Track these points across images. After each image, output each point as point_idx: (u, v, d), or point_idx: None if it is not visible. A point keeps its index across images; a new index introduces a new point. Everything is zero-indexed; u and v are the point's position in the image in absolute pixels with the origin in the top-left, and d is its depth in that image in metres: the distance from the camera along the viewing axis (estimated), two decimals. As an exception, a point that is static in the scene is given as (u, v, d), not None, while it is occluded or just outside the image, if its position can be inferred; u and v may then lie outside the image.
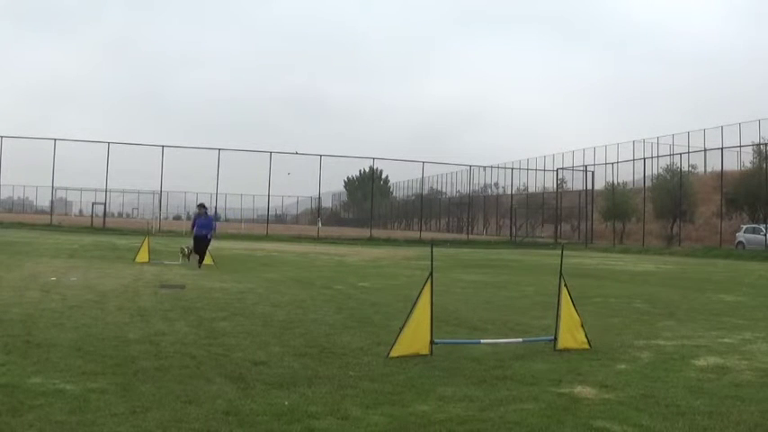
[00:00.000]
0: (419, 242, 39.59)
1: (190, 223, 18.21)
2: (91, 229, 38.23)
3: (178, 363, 5.52)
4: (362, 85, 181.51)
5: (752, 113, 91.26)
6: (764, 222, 33.43)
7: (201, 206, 17.27)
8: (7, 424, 3.83)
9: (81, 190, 51.88)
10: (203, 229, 16.36)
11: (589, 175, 46.73)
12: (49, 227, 37.36)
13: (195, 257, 16.05)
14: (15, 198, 70.94)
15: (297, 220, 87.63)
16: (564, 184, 52.68)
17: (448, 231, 60.20)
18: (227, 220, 62.06)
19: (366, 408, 4.42)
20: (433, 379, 5.26)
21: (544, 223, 53.26)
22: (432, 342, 6.07)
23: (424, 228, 55.35)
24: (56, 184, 41.53)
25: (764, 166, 36.33)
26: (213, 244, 17.21)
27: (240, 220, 61.26)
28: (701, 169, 46.83)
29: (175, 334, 6.84)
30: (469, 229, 53.60)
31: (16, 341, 6.13)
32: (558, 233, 47.56)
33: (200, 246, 16.17)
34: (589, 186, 46.04)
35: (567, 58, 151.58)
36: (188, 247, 16.39)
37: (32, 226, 37.56)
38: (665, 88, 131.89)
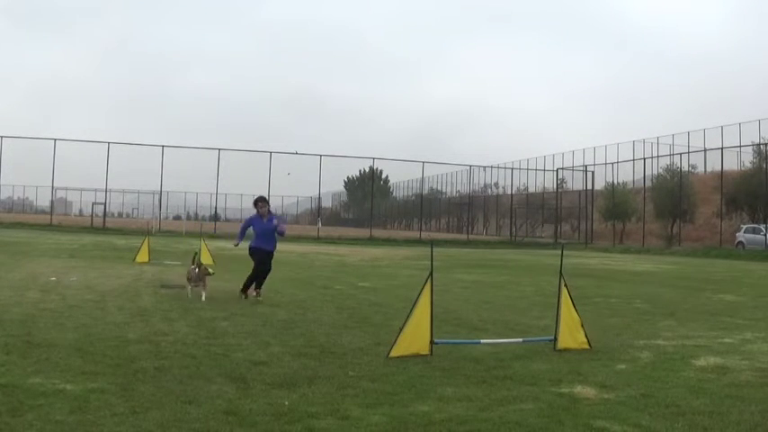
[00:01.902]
0: (419, 242, 39.58)
1: (239, 228, 11.19)
2: (91, 229, 38.20)
3: (178, 363, 5.52)
4: (362, 85, 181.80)
5: (752, 113, 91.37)
6: (764, 222, 33.45)
7: (262, 201, 10.46)
8: (7, 424, 3.83)
9: (81, 190, 51.96)
10: (269, 239, 10.34)
11: (589, 175, 46.77)
12: (49, 227, 37.34)
13: (200, 287, 9.84)
14: (15, 198, 70.98)
15: (297, 220, 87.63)
16: (564, 184, 52.67)
17: (448, 231, 60.18)
18: (227, 220, 62.08)
19: (366, 408, 4.41)
20: (433, 379, 5.25)
21: (544, 223, 53.26)
22: (432, 342, 6.07)
23: (424, 228, 55.38)
24: (56, 184, 41.55)
25: (764, 166, 36.35)
26: (214, 243, 16.27)
27: (240, 221, 61.20)
28: (700, 169, 46.90)
29: (175, 334, 6.84)
30: (469, 229, 53.59)
31: (16, 341, 6.12)
32: (558, 233, 47.57)
33: (265, 265, 10.27)
34: (589, 186, 46.07)
35: (566, 58, 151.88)
36: (200, 265, 10.07)
37: (32, 226, 37.54)
38: (664, 88, 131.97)
